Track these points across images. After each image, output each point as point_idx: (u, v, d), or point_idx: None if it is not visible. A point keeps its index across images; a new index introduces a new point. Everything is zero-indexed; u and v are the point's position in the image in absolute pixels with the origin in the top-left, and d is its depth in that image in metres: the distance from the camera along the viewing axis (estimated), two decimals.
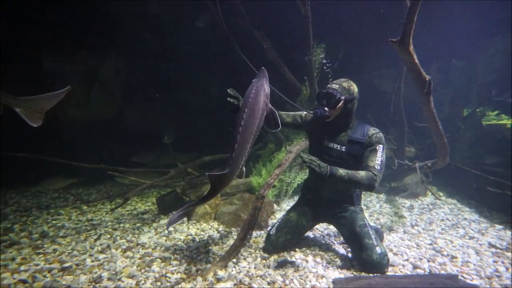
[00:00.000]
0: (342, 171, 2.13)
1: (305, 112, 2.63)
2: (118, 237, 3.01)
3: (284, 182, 4.19)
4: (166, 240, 2.98)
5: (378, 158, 2.23)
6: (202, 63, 5.74)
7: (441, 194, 4.64)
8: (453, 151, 3.56)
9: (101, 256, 2.55)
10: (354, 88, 2.40)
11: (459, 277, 2.13)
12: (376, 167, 2.20)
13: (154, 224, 3.44)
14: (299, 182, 4.25)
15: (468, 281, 2.13)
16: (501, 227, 3.26)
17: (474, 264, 2.39)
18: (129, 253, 2.63)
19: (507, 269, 2.31)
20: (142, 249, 2.75)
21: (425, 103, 2.82)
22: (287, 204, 4.23)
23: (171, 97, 5.93)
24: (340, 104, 2.30)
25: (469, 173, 4.36)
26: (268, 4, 4.80)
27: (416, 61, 2.47)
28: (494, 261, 2.44)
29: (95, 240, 2.94)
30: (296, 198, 4.42)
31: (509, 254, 2.57)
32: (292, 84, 4.57)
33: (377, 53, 5.28)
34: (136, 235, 3.09)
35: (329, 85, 2.41)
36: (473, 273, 2.25)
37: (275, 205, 4.02)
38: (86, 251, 2.66)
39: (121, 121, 5.66)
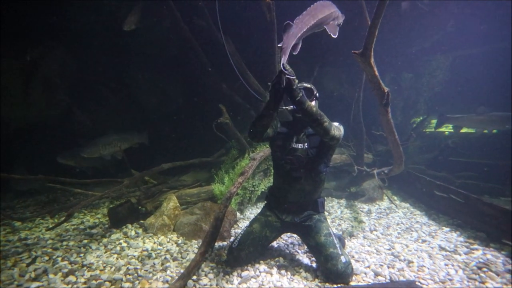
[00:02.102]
0: (313, 105, 2.10)
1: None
2: (59, 259, 2.62)
3: (248, 189, 4.09)
4: (117, 258, 2.69)
5: (336, 124, 2.34)
6: (162, 64, 5.44)
7: (395, 198, 4.93)
8: (405, 157, 3.79)
9: (34, 285, 2.17)
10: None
11: (417, 283, 2.21)
12: (334, 123, 2.30)
13: (104, 240, 3.09)
14: (263, 190, 4.19)
15: (424, 287, 2.21)
16: (448, 229, 3.51)
17: (428, 268, 2.51)
18: (71, 278, 2.30)
19: (456, 271, 2.46)
20: (88, 271, 2.43)
21: (383, 114, 2.93)
22: (251, 212, 4.13)
23: (128, 98, 5.51)
24: (313, 100, 2.47)
25: (419, 178, 4.69)
26: (232, 8, 4.70)
27: (376, 73, 2.56)
28: (446, 264, 2.59)
29: (28, 264, 2.50)
30: (259, 205, 4.37)
31: (457, 256, 2.76)
32: (255, 90, 4.51)
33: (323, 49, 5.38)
34: (82, 255, 2.73)
35: (299, 84, 2.45)
36: (428, 277, 2.36)
37: (238, 214, 3.90)
38: (13, 281, 2.24)
39: (69, 123, 5.09)
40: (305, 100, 2.04)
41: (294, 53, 2.18)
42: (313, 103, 2.48)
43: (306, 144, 2.47)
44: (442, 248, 2.94)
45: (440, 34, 5.61)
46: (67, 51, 4.86)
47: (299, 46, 2.23)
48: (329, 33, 2.28)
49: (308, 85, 2.51)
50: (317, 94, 2.52)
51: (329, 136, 2.17)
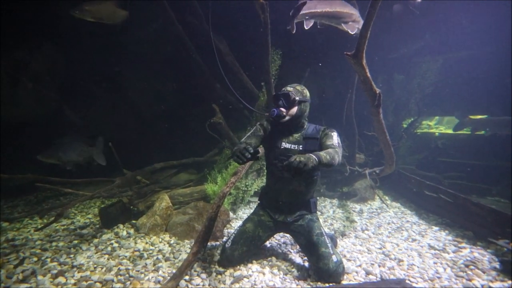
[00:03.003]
0: (323, 155, 2.04)
1: (265, 121, 2.65)
2: (48, 260, 2.58)
3: (240, 189, 4.09)
4: (108, 259, 2.65)
5: (335, 140, 2.36)
6: (155, 63, 5.39)
7: (386, 198, 4.99)
8: (396, 158, 3.85)
9: (22, 286, 2.14)
10: (307, 92, 2.54)
11: (407, 281, 2.25)
12: (334, 143, 2.32)
13: (95, 240, 3.05)
14: (256, 189, 4.20)
15: (414, 284, 2.26)
16: (437, 228, 3.59)
17: (418, 267, 2.56)
18: (61, 279, 2.26)
19: (445, 269, 2.52)
20: (78, 272, 2.39)
21: (375, 115, 2.97)
22: (244, 211, 4.13)
23: (120, 97, 5.44)
24: (295, 105, 2.42)
25: (410, 178, 4.76)
26: (227, 8, 4.70)
27: (368, 74, 2.59)
28: (435, 263, 2.65)
29: (16, 266, 2.45)
30: (252, 205, 4.38)
31: (445, 254, 2.83)
32: (249, 90, 4.52)
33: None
34: (72, 255, 2.69)
35: (284, 88, 2.51)
36: (418, 275, 2.41)
37: (231, 213, 3.90)
38: None
39: (59, 122, 5.00)
40: (320, 159, 1.97)
41: (306, 28, 2.37)
42: (295, 108, 2.41)
43: (300, 146, 2.47)
44: (431, 247, 3.00)
45: (426, 38, 5.73)
46: (57, 48, 4.78)
47: (311, 23, 2.39)
48: (346, 29, 2.45)
49: (290, 89, 2.44)
50: (297, 98, 2.39)
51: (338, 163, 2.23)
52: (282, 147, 2.49)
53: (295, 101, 2.41)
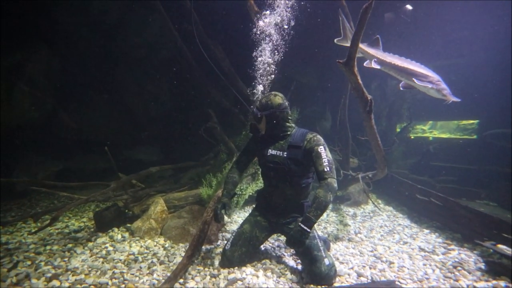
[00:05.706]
0: (312, 216, 2.18)
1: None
2: (42, 263, 2.58)
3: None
4: (103, 262, 2.67)
5: (325, 159, 2.35)
6: (151, 67, 5.44)
7: (379, 201, 5.06)
8: (390, 162, 3.94)
9: None
10: (274, 100, 2.49)
11: (396, 282, 2.30)
12: (325, 169, 2.32)
13: (90, 244, 3.06)
14: (251, 193, 4.23)
15: (403, 286, 2.31)
16: (428, 231, 3.66)
17: (408, 269, 2.62)
18: (55, 283, 2.27)
19: (433, 271, 2.58)
20: (73, 275, 2.40)
21: (366, 120, 3.04)
22: (238, 215, 4.17)
23: (115, 101, 5.47)
24: (262, 121, 2.53)
25: (402, 182, 4.85)
26: (223, 13, 4.78)
27: (360, 81, 2.67)
28: (424, 264, 2.71)
29: (9, 269, 2.45)
30: (247, 208, 4.41)
31: (435, 256, 2.89)
32: (245, 96, 4.58)
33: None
34: (67, 259, 2.70)
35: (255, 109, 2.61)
36: (407, 277, 2.46)
37: (226, 217, 3.93)
38: None
39: (55, 126, 5.00)
40: (311, 224, 2.19)
41: (374, 67, 2.88)
42: (263, 123, 2.53)
43: (284, 153, 2.49)
44: (421, 249, 3.07)
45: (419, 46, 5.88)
46: (53, 52, 4.80)
47: (377, 67, 2.88)
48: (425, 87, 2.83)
49: (256, 106, 2.53)
50: (259, 115, 2.48)
51: (336, 190, 2.38)
52: (269, 154, 2.56)
53: (260, 118, 2.50)
